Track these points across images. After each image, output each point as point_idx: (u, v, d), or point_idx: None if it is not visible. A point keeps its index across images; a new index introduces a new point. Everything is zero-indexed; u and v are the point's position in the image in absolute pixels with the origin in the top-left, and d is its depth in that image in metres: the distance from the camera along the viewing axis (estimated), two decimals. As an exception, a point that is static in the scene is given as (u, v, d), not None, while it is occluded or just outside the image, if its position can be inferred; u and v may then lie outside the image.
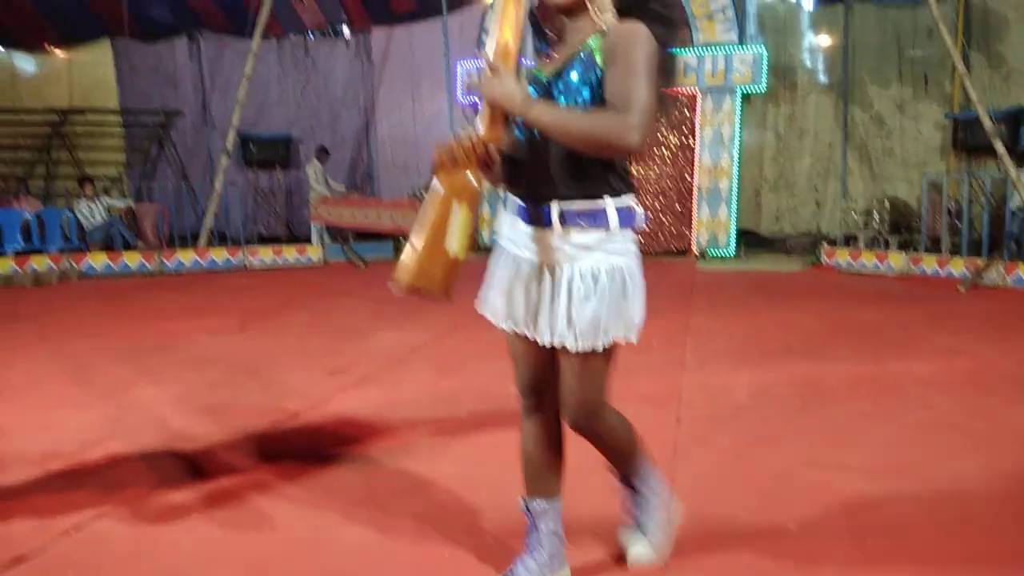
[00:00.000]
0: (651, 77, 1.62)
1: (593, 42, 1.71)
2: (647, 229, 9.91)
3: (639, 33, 1.66)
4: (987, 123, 7.93)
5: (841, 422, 3.32)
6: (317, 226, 11.33)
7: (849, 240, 10.27)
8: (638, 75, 1.60)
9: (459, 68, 11.46)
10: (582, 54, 1.72)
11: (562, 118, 1.65)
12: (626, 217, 1.75)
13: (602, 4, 1.75)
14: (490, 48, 1.75)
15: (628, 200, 1.77)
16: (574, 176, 1.72)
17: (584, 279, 1.73)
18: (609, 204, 1.73)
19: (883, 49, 10.97)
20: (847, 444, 3.03)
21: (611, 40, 1.68)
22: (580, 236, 1.73)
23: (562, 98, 1.73)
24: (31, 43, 13.68)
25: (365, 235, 11.43)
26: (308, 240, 11.42)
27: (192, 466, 2.87)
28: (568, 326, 1.74)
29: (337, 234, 11.41)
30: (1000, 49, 10.53)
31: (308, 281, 8.68)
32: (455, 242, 1.77)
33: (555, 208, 1.74)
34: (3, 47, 13.42)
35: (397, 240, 11.08)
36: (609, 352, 1.80)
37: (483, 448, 3.07)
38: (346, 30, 13.30)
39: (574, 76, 1.71)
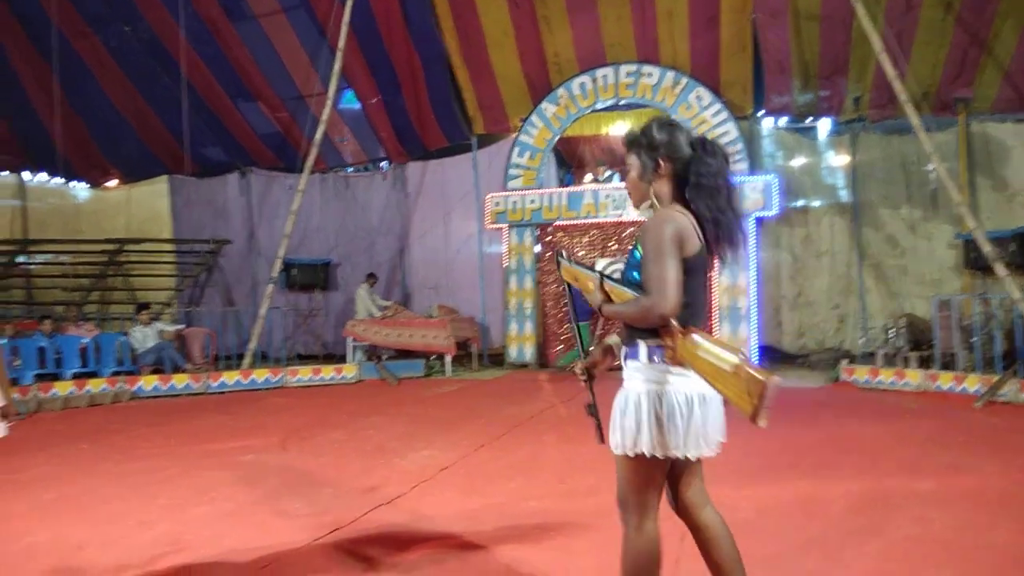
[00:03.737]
0: (665, 254, 2.14)
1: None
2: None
3: (651, 223, 2.22)
4: (985, 248, 8.33)
5: (834, 537, 3.59)
6: (353, 345, 11.91)
7: (869, 356, 10.52)
8: (652, 260, 2.16)
9: (488, 199, 12.30)
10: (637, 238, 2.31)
11: (618, 311, 2.29)
12: (655, 352, 2.21)
13: (658, 199, 2.32)
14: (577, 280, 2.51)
15: (668, 341, 2.19)
16: (628, 327, 2.32)
17: (623, 395, 2.27)
18: (641, 344, 2.24)
19: (891, 173, 11.58)
20: (836, 557, 3.30)
21: (641, 230, 2.25)
22: (629, 365, 2.29)
23: (631, 269, 2.31)
24: (93, 177, 14.98)
25: (400, 353, 11.98)
26: (343, 358, 11.96)
27: (247, 576, 3.23)
28: (613, 433, 2.27)
29: (372, 353, 11.97)
30: (1004, 173, 11.07)
31: (344, 399, 9.12)
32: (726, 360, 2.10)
33: (624, 348, 2.33)
34: (66, 180, 14.67)
35: (428, 358, 11.59)
36: (639, 461, 2.22)
37: (504, 561, 3.38)
38: (384, 164, 14.40)
39: (636, 253, 2.30)
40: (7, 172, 14.14)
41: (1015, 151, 10.95)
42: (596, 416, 2.46)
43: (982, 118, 11.06)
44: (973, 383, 8.11)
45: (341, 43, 10.75)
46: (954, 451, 5.53)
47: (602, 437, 2.42)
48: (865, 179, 11.64)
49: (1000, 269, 8.22)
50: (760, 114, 11.88)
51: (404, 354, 11.82)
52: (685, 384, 2.20)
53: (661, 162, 2.28)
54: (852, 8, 9.23)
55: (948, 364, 9.39)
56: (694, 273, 2.22)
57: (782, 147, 12.07)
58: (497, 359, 12.49)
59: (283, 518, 4.10)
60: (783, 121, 12.07)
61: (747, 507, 4.09)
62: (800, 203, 11.86)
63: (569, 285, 2.62)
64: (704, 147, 2.28)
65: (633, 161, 2.35)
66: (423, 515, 4.11)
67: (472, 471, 5.20)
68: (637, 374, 2.25)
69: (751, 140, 11.55)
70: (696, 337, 2.13)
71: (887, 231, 11.64)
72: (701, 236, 2.24)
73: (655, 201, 2.33)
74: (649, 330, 2.22)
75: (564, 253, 2.68)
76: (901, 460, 5.28)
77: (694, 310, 2.24)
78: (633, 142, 2.35)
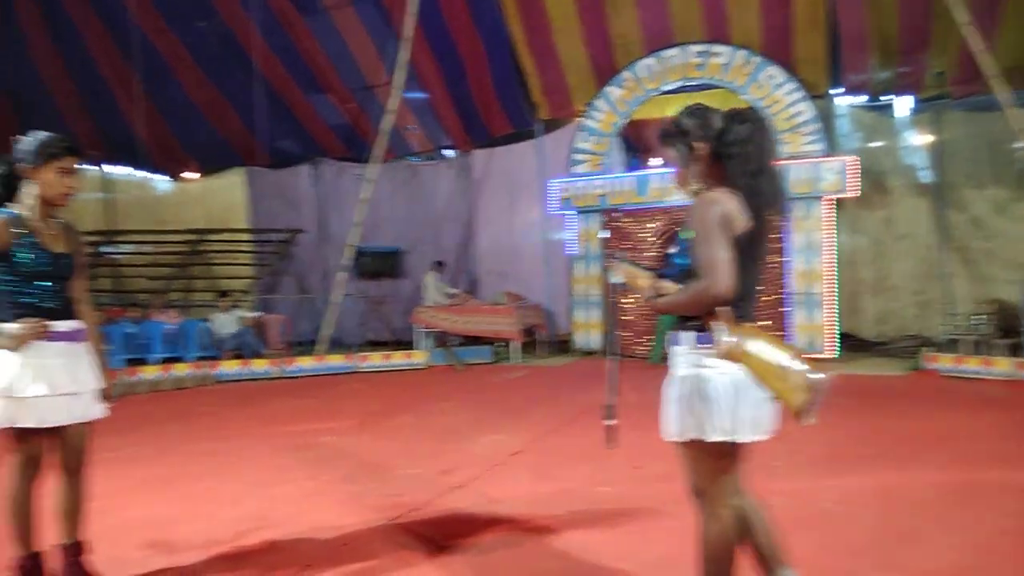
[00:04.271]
0: (714, 236, 2.13)
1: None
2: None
3: (697, 206, 2.22)
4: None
5: (920, 528, 3.47)
6: (421, 332, 12.09)
7: (953, 344, 10.08)
8: (701, 242, 2.16)
9: (552, 184, 12.26)
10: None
11: (672, 301, 2.29)
12: (703, 339, 2.21)
13: (688, 185, 2.36)
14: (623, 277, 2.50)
15: (715, 327, 2.18)
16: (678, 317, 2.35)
17: (670, 382, 2.28)
18: (687, 331, 2.25)
19: (976, 152, 11.03)
20: (921, 549, 3.19)
21: (688, 215, 2.26)
22: (676, 350, 2.29)
23: (678, 255, 2.32)
24: (173, 170, 15.59)
25: (468, 339, 12.10)
26: (411, 344, 12.16)
27: (331, 553, 3.34)
28: (664, 420, 2.29)
29: (440, 339, 12.13)
30: (1101, 148, 10.39)
31: (414, 384, 9.28)
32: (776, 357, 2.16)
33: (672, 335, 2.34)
34: (148, 173, 15.29)
35: (494, 345, 11.67)
36: (697, 447, 2.21)
37: (578, 546, 3.39)
38: (449, 152, 14.50)
39: (683, 239, 2.32)
40: (93, 166, 14.80)
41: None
42: (612, 418, 2.47)
43: (1078, 91, 10.40)
44: (1068, 371, 7.69)
45: (408, 32, 10.85)
46: (1049, 442, 5.27)
47: (612, 440, 2.46)
48: (949, 159, 11.12)
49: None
50: (836, 92, 11.47)
51: (471, 340, 11.93)
52: (732, 368, 2.18)
53: (695, 145, 2.30)
54: (935, -22, 8.79)
55: (1040, 352, 8.93)
56: (743, 254, 2.19)
57: (860, 126, 11.63)
58: (563, 346, 12.48)
59: (361, 498, 4.21)
60: (860, 99, 11.62)
61: (829, 498, 4.00)
62: (879, 185, 11.42)
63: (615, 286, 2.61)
64: (734, 117, 2.29)
65: (671, 153, 2.38)
66: (496, 498, 4.16)
67: (542, 456, 5.23)
68: (683, 359, 2.26)
69: (827, 120, 11.16)
70: (747, 334, 2.13)
71: (972, 213, 11.09)
72: (748, 215, 2.21)
73: (702, 185, 2.33)
74: (697, 318, 2.22)
75: (618, 254, 2.69)
76: (991, 451, 5.05)
77: (744, 291, 2.21)
78: (666, 135, 2.39)
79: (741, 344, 2.13)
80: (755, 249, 2.25)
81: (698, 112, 2.33)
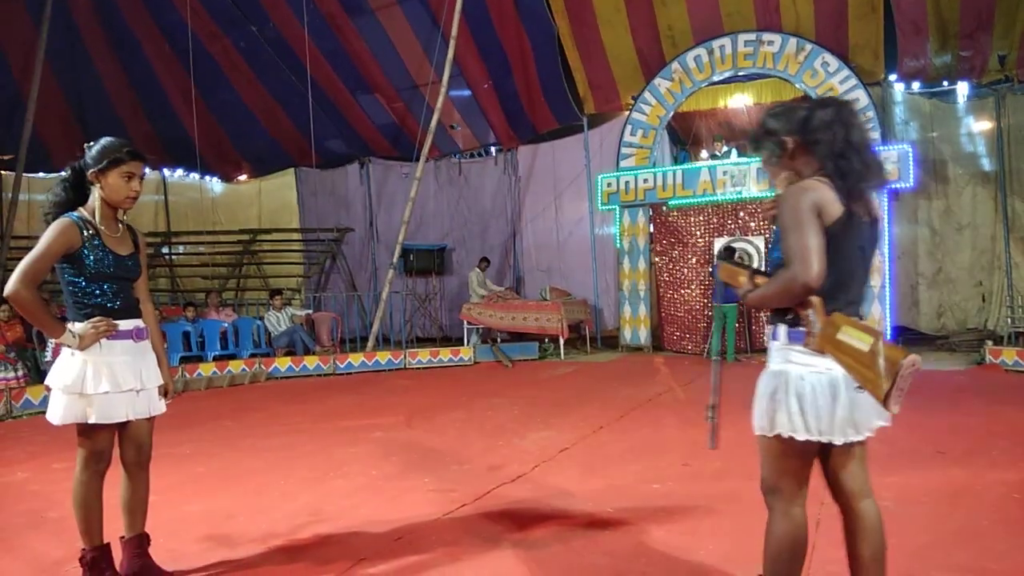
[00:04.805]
0: (802, 223, 2.10)
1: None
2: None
3: (786, 195, 2.20)
4: None
5: (983, 528, 3.35)
6: (469, 328, 12.16)
7: (1017, 337, 9.73)
8: (790, 229, 2.12)
9: (600, 179, 12.19)
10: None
11: (761, 294, 2.28)
12: (794, 334, 2.19)
13: (780, 179, 2.37)
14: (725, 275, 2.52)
15: (804, 319, 2.15)
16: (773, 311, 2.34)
17: (764, 376, 2.26)
18: (781, 325, 2.23)
19: (1041, 137, 10.61)
20: (990, 550, 3.08)
21: (777, 207, 2.26)
22: (772, 346, 2.29)
23: (773, 248, 2.34)
24: (226, 172, 15.97)
25: (514, 336, 12.12)
26: (460, 341, 12.24)
27: (384, 546, 3.38)
28: (754, 413, 2.27)
29: (486, 335, 12.18)
30: None
31: (462, 381, 9.34)
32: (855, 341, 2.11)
33: (771, 328, 2.32)
34: (202, 175, 15.70)
35: (542, 341, 11.66)
36: (781, 443, 2.19)
37: (630, 542, 3.37)
38: (495, 149, 14.55)
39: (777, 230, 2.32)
40: (151, 169, 15.25)
41: None
42: (714, 419, 2.49)
43: None
44: None
45: (454, 31, 10.90)
46: (1124, 440, 5.04)
47: (714, 441, 2.50)
48: (1012, 145, 10.71)
49: None
50: (892, 79, 11.15)
51: (517, 337, 11.95)
52: (825, 364, 2.12)
53: (785, 140, 2.29)
54: (998, -43, 8.47)
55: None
56: (837, 243, 2.13)
57: (917, 114, 11.28)
58: (611, 342, 12.41)
59: (413, 492, 4.26)
60: (917, 86, 11.27)
61: (889, 496, 3.88)
62: (938, 173, 11.06)
63: (717, 280, 2.63)
64: (817, 104, 2.29)
65: (763, 155, 2.40)
66: (546, 494, 4.16)
67: (592, 452, 5.21)
68: (778, 355, 2.23)
69: (883, 107, 10.86)
70: (835, 323, 2.07)
71: (1037, 200, 10.68)
72: (842, 200, 2.15)
73: (795, 178, 2.30)
74: (791, 312, 2.18)
75: (724, 252, 2.69)
76: (1061, 449, 4.86)
77: (838, 281, 2.14)
78: (756, 140, 2.41)
79: (829, 335, 2.08)
80: (851, 237, 2.18)
81: (781, 110, 2.35)
